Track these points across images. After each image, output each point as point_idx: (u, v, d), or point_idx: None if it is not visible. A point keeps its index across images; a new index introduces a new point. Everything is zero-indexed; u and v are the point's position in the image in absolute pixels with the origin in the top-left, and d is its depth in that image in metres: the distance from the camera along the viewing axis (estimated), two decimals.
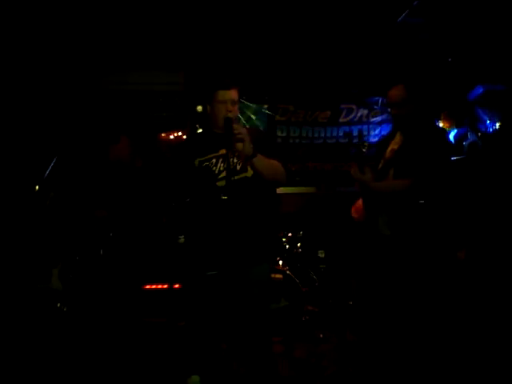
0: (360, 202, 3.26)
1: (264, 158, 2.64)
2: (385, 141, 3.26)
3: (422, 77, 5.61)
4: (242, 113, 6.22)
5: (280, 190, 4.93)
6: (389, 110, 3.26)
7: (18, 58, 4.82)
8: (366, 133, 6.47)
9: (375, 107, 6.45)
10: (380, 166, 3.11)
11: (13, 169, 4.59)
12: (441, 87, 5.89)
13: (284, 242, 5.02)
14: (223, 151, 2.71)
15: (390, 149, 3.11)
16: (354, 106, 6.49)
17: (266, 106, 6.37)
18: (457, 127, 6.09)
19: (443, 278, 3.13)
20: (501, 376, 3.18)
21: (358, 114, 6.49)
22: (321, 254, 5.10)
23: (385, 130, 6.37)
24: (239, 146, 2.51)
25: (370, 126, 6.50)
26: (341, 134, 6.48)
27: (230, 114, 2.69)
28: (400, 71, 5.62)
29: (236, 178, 2.66)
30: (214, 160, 2.76)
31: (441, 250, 3.12)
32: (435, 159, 2.93)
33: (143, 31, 5.03)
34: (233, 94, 2.74)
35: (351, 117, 6.49)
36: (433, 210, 2.96)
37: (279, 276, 4.44)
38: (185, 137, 5.47)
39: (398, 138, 3.13)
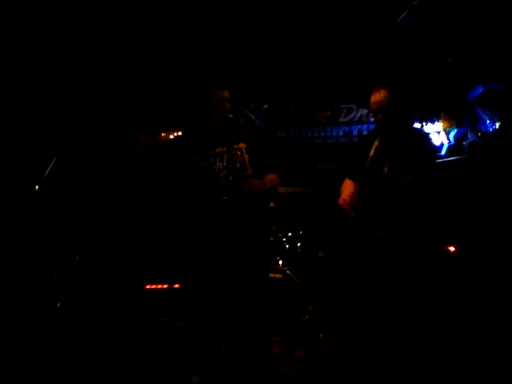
0: (347, 193, 3.19)
1: (268, 181, 2.71)
2: (366, 142, 3.12)
3: (415, 77, 5.62)
4: (243, 113, 6.23)
5: (280, 190, 4.92)
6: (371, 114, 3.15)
7: (18, 58, 4.82)
8: (366, 132, 6.47)
9: None
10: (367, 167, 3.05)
11: (13, 169, 4.59)
12: (441, 87, 5.90)
13: (284, 241, 5.02)
14: (220, 149, 2.73)
15: (374, 150, 2.98)
16: (353, 106, 6.49)
17: (265, 106, 6.37)
18: (457, 127, 6.10)
19: (434, 276, 3.13)
20: (499, 375, 3.18)
21: (358, 114, 6.49)
22: (321, 254, 5.10)
23: None
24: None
25: (370, 125, 6.49)
26: (341, 133, 6.48)
27: (230, 114, 2.71)
28: (399, 71, 5.63)
29: (236, 177, 2.67)
30: (211, 159, 2.76)
31: (431, 248, 3.12)
32: (430, 159, 2.93)
33: (143, 31, 5.03)
34: (227, 93, 2.77)
35: (351, 116, 6.49)
36: (425, 209, 2.96)
37: (279, 276, 4.44)
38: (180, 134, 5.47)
39: (379, 140, 3.01)
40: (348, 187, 3.17)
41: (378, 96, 2.92)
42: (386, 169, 2.97)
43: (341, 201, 3.05)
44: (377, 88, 2.94)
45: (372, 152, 2.99)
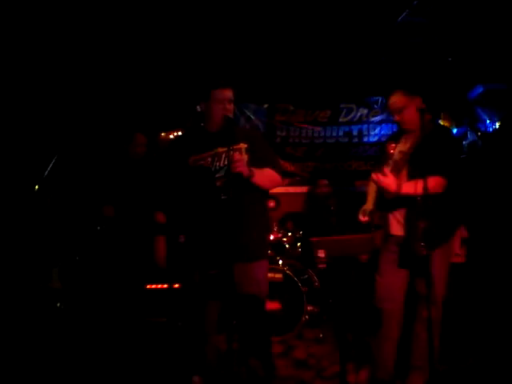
0: (371, 198, 3.29)
1: (260, 172, 2.70)
2: (390, 143, 3.25)
3: (421, 77, 5.62)
4: (242, 113, 6.23)
5: (280, 190, 4.92)
6: (391, 115, 3.25)
7: (18, 58, 4.82)
8: (365, 132, 6.48)
9: (375, 107, 6.44)
10: (389, 167, 3.08)
11: (13, 169, 4.59)
12: (441, 87, 5.89)
13: (284, 241, 5.01)
14: (219, 149, 2.73)
15: (397, 151, 3.10)
16: (353, 106, 6.49)
17: (265, 106, 6.37)
18: (457, 127, 6.09)
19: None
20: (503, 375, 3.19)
21: (358, 114, 6.49)
22: (321, 254, 5.08)
23: (384, 129, 6.37)
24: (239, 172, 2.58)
25: (370, 125, 6.49)
26: (341, 133, 6.48)
27: (230, 114, 2.72)
28: (399, 71, 5.63)
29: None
30: (209, 159, 2.76)
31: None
32: (451, 159, 2.95)
33: (142, 29, 5.03)
34: (229, 93, 2.76)
35: (351, 116, 6.49)
36: (446, 208, 2.99)
37: (279, 276, 4.44)
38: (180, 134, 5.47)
39: (403, 140, 3.14)
40: (374, 189, 3.28)
41: (393, 98, 3.11)
42: (404, 173, 3.01)
43: (361, 216, 3.25)
44: (394, 91, 3.14)
45: (396, 155, 3.10)
